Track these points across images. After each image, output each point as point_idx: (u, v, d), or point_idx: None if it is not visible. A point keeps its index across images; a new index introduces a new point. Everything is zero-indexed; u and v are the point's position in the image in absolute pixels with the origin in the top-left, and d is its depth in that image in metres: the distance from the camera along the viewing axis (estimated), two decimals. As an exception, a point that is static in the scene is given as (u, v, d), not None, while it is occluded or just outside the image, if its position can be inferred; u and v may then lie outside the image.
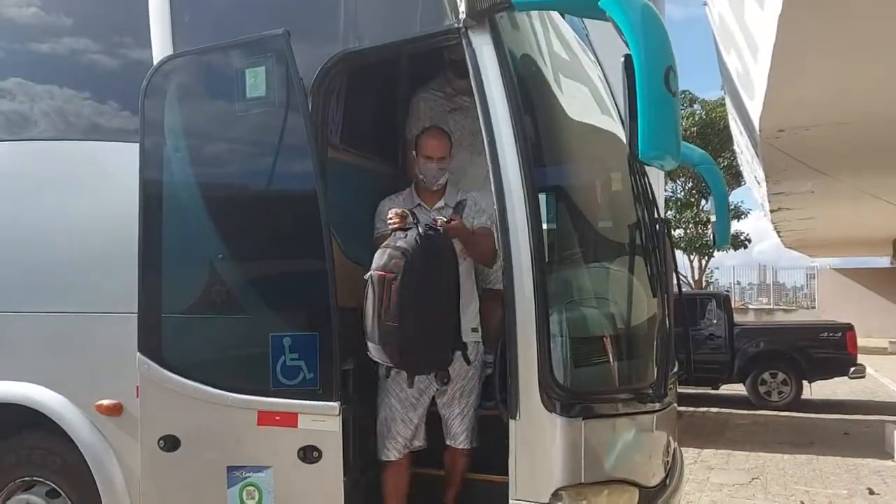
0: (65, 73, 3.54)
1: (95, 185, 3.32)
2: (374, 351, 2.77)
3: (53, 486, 3.35)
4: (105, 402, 3.16)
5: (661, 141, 2.36)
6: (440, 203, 3.27)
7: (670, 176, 22.32)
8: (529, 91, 3.00)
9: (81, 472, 3.20)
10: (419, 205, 3.23)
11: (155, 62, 3.06)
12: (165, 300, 2.95)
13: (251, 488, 2.78)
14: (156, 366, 2.89)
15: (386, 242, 2.85)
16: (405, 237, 2.79)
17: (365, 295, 2.76)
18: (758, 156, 9.96)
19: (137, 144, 2.97)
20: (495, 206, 2.71)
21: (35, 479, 3.39)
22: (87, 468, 3.18)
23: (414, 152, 3.27)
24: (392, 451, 3.12)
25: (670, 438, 3.46)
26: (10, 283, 3.42)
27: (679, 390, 4.14)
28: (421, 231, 2.78)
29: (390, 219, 2.92)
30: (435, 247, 2.79)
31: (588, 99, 3.82)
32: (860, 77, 6.57)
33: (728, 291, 13.02)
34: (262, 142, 2.95)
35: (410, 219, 2.88)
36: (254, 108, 2.84)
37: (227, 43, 2.97)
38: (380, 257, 2.78)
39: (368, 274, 2.77)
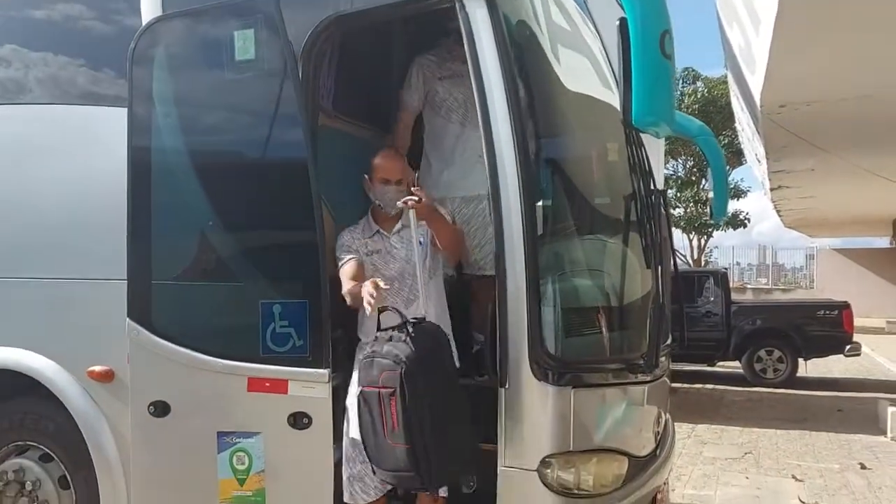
0: (56, 37, 3.50)
1: (88, 150, 3.29)
2: (387, 477, 2.56)
3: (46, 450, 3.36)
4: (97, 368, 3.16)
5: (655, 106, 2.34)
6: (398, 226, 3.05)
7: (671, 154, 22.24)
8: (524, 59, 2.95)
9: (74, 437, 3.21)
10: (378, 231, 3.04)
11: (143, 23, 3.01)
12: (154, 266, 2.93)
13: (241, 454, 2.78)
14: (145, 332, 2.89)
15: (370, 349, 2.58)
16: (389, 339, 2.51)
17: (356, 412, 2.57)
18: (758, 132, 9.88)
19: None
20: (487, 174, 2.68)
21: (28, 443, 3.41)
22: (79, 433, 3.19)
23: (367, 176, 3.06)
24: (361, 497, 2.82)
25: (662, 410, 3.47)
26: (2, 248, 3.41)
27: (675, 367, 4.16)
28: (410, 330, 2.48)
29: (368, 301, 2.55)
30: (429, 342, 2.52)
31: (586, 70, 3.77)
32: (863, 52, 6.49)
33: (726, 269, 12.99)
34: (252, 107, 2.91)
35: (398, 317, 2.58)
36: (243, 72, 2.80)
37: (217, 4, 2.92)
38: (367, 369, 2.52)
39: (358, 391, 2.57)
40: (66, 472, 3.31)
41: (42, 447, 3.37)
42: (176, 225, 2.98)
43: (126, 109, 2.95)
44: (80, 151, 3.31)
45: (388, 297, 2.79)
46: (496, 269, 2.65)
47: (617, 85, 2.70)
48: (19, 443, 3.41)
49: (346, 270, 2.89)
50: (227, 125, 3.01)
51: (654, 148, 6.96)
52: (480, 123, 2.71)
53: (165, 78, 2.98)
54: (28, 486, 3.33)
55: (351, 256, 2.94)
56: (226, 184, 2.95)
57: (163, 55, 2.97)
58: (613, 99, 3.56)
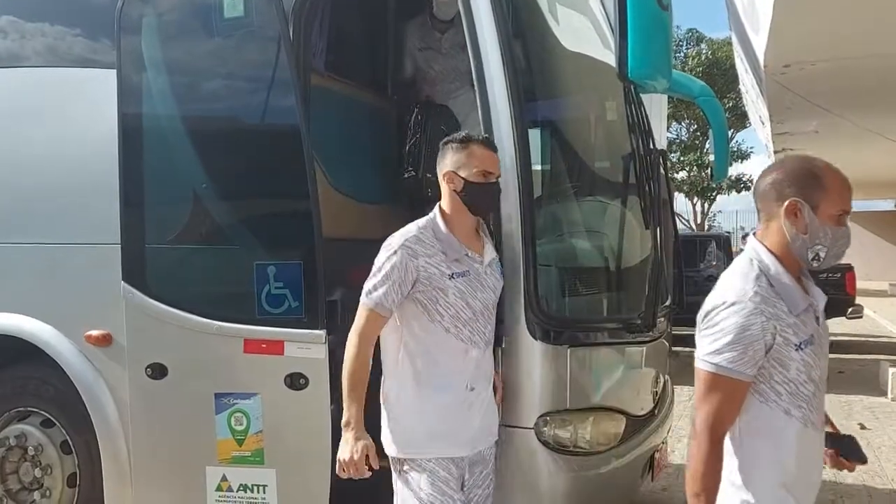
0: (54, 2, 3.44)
1: (84, 114, 3.24)
2: None
3: (48, 415, 3.38)
4: (94, 332, 3.16)
5: (651, 59, 2.29)
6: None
7: (674, 117, 22.03)
8: (520, 16, 2.90)
9: (74, 402, 3.23)
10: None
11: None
12: (148, 229, 2.92)
13: (239, 415, 2.80)
14: (140, 294, 2.88)
15: None
16: None
17: None
18: (762, 94, 9.76)
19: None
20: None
21: (30, 409, 3.42)
22: (79, 398, 3.20)
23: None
24: None
25: (660, 371, 3.47)
26: (-1, 213, 3.39)
27: (676, 331, 4.14)
28: None
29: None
30: None
31: (584, 28, 3.71)
32: (868, 10, 6.36)
33: (729, 233, 12.97)
34: (242, 66, 2.87)
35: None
36: (232, 30, 2.75)
37: (204, -41, 2.85)
38: None
39: None
40: (68, 437, 3.32)
41: (43, 413, 3.38)
42: (169, 188, 2.96)
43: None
44: (76, 115, 3.26)
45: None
46: (493, 226, 2.63)
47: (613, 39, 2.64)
48: (20, 409, 3.42)
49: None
50: (216, 85, 2.97)
51: (657, 110, 6.86)
52: (475, 84, 2.66)
53: (153, 38, 2.93)
54: (30, 452, 3.35)
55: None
56: (217, 145, 2.92)
57: (150, 14, 2.92)
58: (612, 58, 3.52)
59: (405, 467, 2.33)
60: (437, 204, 2.39)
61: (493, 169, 2.34)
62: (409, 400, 2.33)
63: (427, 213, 2.39)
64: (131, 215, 2.91)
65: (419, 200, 3.27)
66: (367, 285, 2.29)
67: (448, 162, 2.33)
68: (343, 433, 2.27)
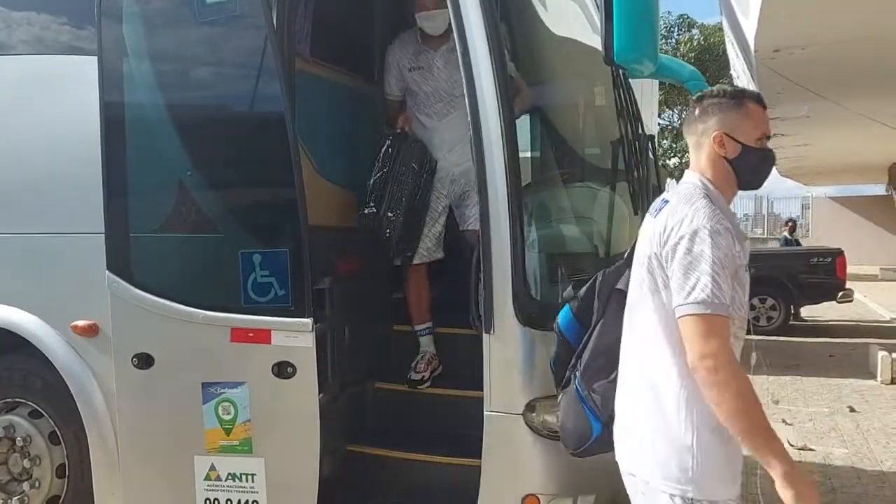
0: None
1: (67, 102, 3.20)
2: None
3: (35, 406, 3.36)
4: (80, 322, 3.14)
5: (637, 42, 2.27)
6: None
7: (666, 104, 21.98)
8: (507, 1, 2.88)
9: (62, 393, 3.21)
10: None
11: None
12: (132, 218, 2.89)
13: (227, 404, 2.78)
14: (125, 284, 2.85)
15: None
16: None
17: None
18: (753, 79, 9.75)
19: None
20: (469, 120, 2.62)
21: (17, 400, 3.40)
22: (67, 388, 3.19)
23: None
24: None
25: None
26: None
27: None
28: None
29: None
30: None
31: (574, 13, 3.69)
32: (858, -7, 6.36)
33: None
34: (225, 52, 2.84)
35: None
36: (214, 15, 2.71)
37: (185, -57, 2.81)
38: None
39: None
40: (56, 428, 3.31)
41: (31, 403, 3.37)
42: (153, 176, 2.93)
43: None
44: (60, 103, 3.22)
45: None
46: (480, 214, 2.62)
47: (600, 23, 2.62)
48: (8, 399, 3.40)
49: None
50: (200, 72, 2.93)
51: (648, 96, 6.87)
52: (462, 70, 2.63)
53: (135, 24, 2.88)
54: (19, 443, 3.34)
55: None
56: (201, 132, 2.88)
57: (131, 0, 2.86)
58: (599, 42, 3.49)
59: None
60: (695, 174, 1.89)
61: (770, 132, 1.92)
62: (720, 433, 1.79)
63: None
64: (115, 204, 2.87)
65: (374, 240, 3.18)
66: (690, 287, 1.70)
67: (717, 121, 1.86)
68: (771, 460, 1.71)
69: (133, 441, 2.95)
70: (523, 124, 3.13)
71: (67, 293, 3.19)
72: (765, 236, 28.82)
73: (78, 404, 3.16)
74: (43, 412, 3.35)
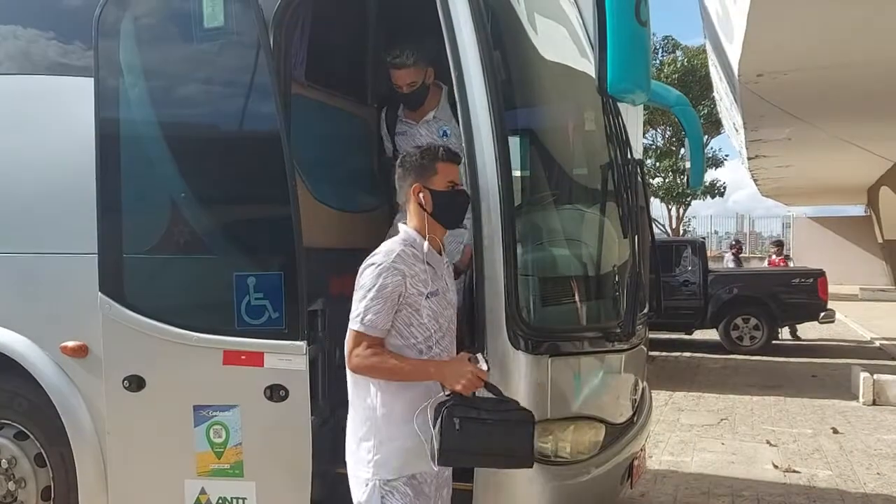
0: (23, 7, 3.38)
1: (57, 122, 3.19)
2: None
3: (21, 428, 3.32)
4: (70, 343, 3.11)
5: (630, 73, 2.32)
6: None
7: (650, 123, 22.26)
8: (500, 28, 2.91)
9: (49, 414, 3.17)
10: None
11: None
12: (126, 240, 2.88)
13: (218, 427, 2.77)
14: (118, 305, 2.84)
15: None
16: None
17: None
18: (736, 102, 9.92)
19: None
20: (463, 145, 2.64)
21: (2, 421, 3.36)
22: (54, 410, 3.15)
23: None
24: None
25: (639, 378, 3.50)
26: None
27: (653, 335, 4.19)
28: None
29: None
30: None
31: (563, 39, 3.74)
32: (839, 21, 6.51)
33: (704, 239, 13.15)
34: (222, 75, 2.85)
35: None
36: (212, 40, 2.73)
37: (183, -32, 2.83)
38: None
39: None
40: (42, 450, 3.27)
41: (16, 425, 3.32)
42: (147, 197, 2.92)
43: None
44: (51, 123, 3.21)
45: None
46: (473, 238, 2.64)
47: (593, 53, 2.67)
48: (-7, 421, 3.36)
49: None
50: (196, 94, 2.94)
51: (633, 117, 6.97)
52: (456, 93, 2.67)
53: (132, 46, 2.89)
54: (3, 465, 3.28)
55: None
56: (197, 154, 2.89)
57: (129, 22, 2.88)
58: (590, 68, 3.55)
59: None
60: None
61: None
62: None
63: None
64: (108, 224, 2.87)
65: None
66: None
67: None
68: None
69: (122, 464, 2.92)
70: (516, 147, 3.16)
71: (57, 314, 3.16)
72: (746, 255, 29.10)
73: (66, 426, 3.13)
74: (29, 433, 3.31)
